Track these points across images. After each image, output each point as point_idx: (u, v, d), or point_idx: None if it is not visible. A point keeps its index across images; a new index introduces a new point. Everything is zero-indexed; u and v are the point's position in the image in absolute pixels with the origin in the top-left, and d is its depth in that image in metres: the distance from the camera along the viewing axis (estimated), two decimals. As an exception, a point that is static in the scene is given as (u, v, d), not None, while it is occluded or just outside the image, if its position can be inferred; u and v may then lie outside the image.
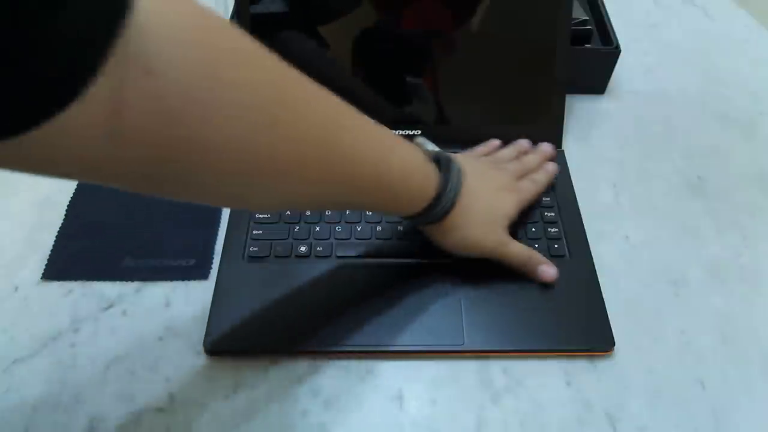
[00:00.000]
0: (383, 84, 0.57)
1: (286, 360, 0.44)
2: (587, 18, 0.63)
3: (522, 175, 0.52)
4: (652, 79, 0.68)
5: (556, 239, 0.50)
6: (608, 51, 0.62)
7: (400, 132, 0.57)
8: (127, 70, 0.23)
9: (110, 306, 0.47)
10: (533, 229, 0.51)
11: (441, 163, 0.43)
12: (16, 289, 0.48)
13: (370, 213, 0.52)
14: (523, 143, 0.56)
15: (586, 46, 0.63)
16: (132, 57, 0.23)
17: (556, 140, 0.57)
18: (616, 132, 0.62)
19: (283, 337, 0.44)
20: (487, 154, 0.55)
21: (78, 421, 0.41)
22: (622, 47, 0.61)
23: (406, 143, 0.41)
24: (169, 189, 0.30)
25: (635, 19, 0.75)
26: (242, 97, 0.28)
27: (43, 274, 0.49)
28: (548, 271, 0.47)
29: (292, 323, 0.45)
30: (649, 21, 0.76)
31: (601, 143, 0.61)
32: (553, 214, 0.52)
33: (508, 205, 0.48)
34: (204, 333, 0.44)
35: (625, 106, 0.65)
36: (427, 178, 0.41)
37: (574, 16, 0.59)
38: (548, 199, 0.53)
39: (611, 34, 0.62)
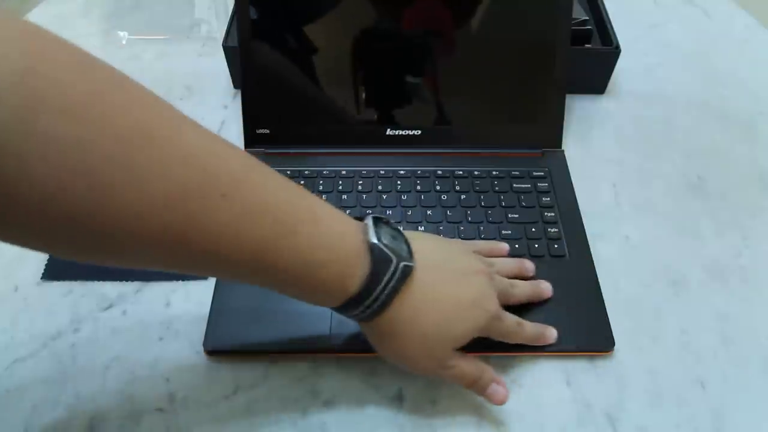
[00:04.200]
0: (383, 84, 0.57)
1: (286, 360, 0.44)
2: (587, 18, 0.63)
3: (506, 298, 0.42)
4: (652, 79, 0.68)
5: (556, 239, 0.50)
6: (608, 51, 0.62)
7: (400, 132, 0.57)
8: None
9: (110, 306, 0.47)
10: (533, 229, 0.51)
11: (374, 258, 0.34)
12: (16, 289, 0.48)
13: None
14: (529, 267, 0.47)
15: (586, 46, 0.63)
16: None
17: (556, 140, 0.57)
18: (616, 132, 0.62)
19: (283, 337, 0.44)
20: (486, 254, 0.45)
21: (78, 421, 0.41)
22: (622, 47, 0.61)
23: (332, 222, 0.35)
24: None
25: (635, 19, 0.75)
26: (61, 152, 0.24)
27: (43, 274, 0.49)
28: (499, 391, 0.40)
29: (292, 323, 0.45)
30: (649, 21, 0.76)
31: (601, 143, 0.61)
32: (553, 214, 0.52)
33: (468, 326, 0.38)
34: (204, 333, 0.44)
35: (625, 106, 0.65)
36: (351, 270, 0.34)
37: (574, 16, 0.59)
38: (548, 199, 0.53)
39: (611, 34, 0.62)
